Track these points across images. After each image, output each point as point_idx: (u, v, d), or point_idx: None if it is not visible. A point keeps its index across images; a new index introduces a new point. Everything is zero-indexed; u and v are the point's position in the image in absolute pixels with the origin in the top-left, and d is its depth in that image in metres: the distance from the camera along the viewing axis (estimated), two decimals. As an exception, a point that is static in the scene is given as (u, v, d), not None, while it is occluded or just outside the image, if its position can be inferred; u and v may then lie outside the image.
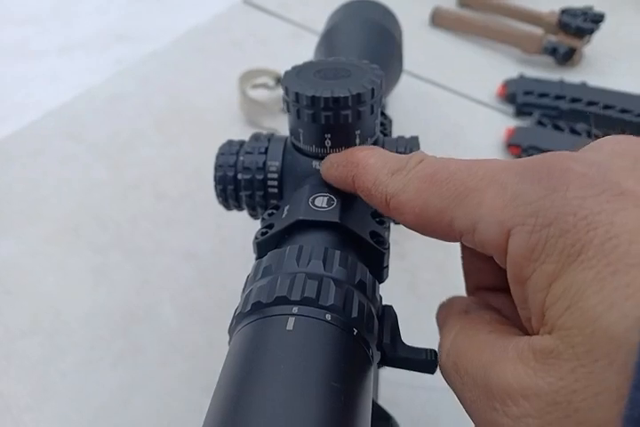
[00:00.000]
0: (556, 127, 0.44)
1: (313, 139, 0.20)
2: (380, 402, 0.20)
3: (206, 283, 0.36)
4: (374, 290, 0.16)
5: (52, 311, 0.34)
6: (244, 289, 0.16)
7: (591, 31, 0.48)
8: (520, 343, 0.12)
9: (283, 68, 0.53)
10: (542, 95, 0.47)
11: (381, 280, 0.18)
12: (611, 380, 0.10)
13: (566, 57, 0.50)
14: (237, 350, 0.13)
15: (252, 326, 0.14)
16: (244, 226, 0.39)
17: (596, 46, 0.52)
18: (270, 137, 0.22)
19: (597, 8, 0.50)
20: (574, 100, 0.46)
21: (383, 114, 0.24)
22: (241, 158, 0.21)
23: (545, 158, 0.12)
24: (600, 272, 0.10)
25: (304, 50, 0.52)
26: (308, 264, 0.15)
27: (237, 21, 0.59)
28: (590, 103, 0.46)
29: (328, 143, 0.20)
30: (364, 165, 0.17)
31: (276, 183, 0.21)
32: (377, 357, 0.15)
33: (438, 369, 0.15)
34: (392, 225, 0.22)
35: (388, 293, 0.31)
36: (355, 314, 0.14)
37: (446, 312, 0.16)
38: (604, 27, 0.50)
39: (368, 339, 0.14)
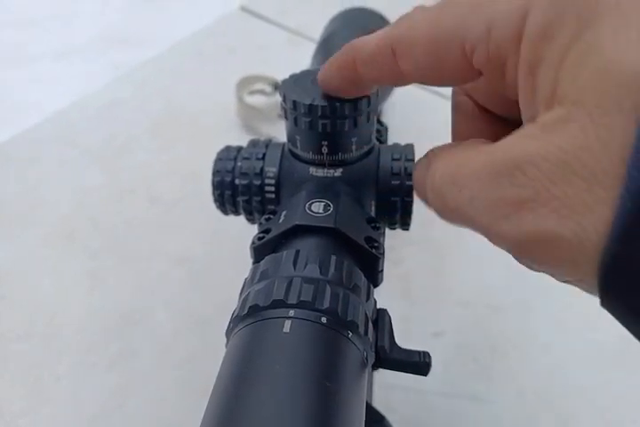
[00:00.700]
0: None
1: (310, 146, 0.20)
2: (374, 404, 0.20)
3: (200, 287, 0.36)
4: (369, 294, 0.16)
5: (46, 315, 0.34)
6: (241, 292, 0.16)
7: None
8: (525, 127, 0.12)
9: (279, 74, 0.53)
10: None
11: (376, 284, 0.19)
12: (619, 127, 0.10)
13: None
14: (235, 352, 0.14)
15: (250, 329, 0.14)
16: (238, 230, 0.39)
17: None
18: (268, 143, 0.22)
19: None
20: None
21: (379, 121, 0.25)
22: (239, 164, 0.22)
23: None
24: (615, 28, 0.10)
25: (301, 56, 0.53)
26: (304, 268, 0.15)
27: (234, 28, 0.60)
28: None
29: (325, 150, 0.20)
30: (363, 40, 0.16)
31: (273, 189, 0.21)
32: (372, 359, 0.15)
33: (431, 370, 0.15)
34: (387, 231, 0.22)
35: (384, 297, 0.31)
36: (350, 317, 0.14)
37: (434, 154, 0.16)
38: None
39: (363, 341, 0.15)
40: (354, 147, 0.20)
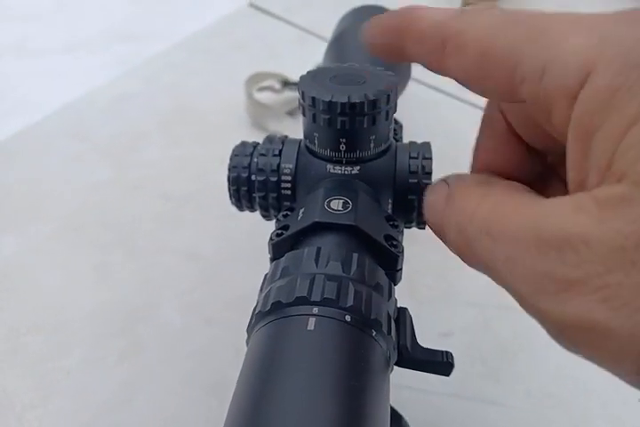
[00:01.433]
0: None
1: (328, 143, 0.20)
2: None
3: (209, 283, 0.36)
4: (391, 292, 0.16)
5: (55, 309, 0.34)
6: (261, 289, 0.16)
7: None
8: (577, 197, 0.11)
9: (287, 70, 0.53)
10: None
11: (395, 283, 0.18)
12: None
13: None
14: (258, 349, 0.13)
15: (273, 325, 0.14)
16: (248, 227, 0.39)
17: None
18: (284, 139, 0.22)
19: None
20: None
21: (394, 119, 0.25)
22: (255, 160, 0.22)
23: None
24: None
25: (308, 53, 0.52)
26: (326, 266, 0.15)
27: (243, 24, 0.60)
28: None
29: (343, 147, 0.20)
30: (421, 14, 0.15)
31: (289, 185, 0.21)
32: (394, 358, 0.15)
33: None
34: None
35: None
36: (374, 316, 0.14)
37: (458, 185, 0.15)
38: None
39: (386, 340, 0.14)
40: (372, 144, 0.20)
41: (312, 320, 0.13)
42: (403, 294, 0.35)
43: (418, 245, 0.39)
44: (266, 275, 0.17)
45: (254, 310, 0.15)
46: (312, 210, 0.18)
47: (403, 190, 0.21)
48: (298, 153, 0.21)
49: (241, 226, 0.39)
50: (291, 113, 0.48)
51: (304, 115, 0.20)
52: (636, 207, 0.10)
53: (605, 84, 0.10)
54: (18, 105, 0.51)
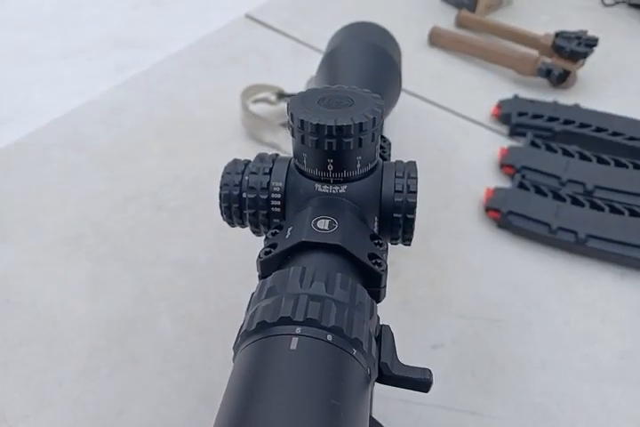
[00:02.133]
0: (549, 148, 0.45)
1: (316, 163, 0.21)
2: (374, 416, 0.21)
3: (203, 294, 0.36)
4: (372, 311, 0.17)
5: (50, 320, 0.35)
6: (248, 307, 0.17)
7: (585, 55, 0.50)
8: None
9: (283, 82, 0.54)
10: (536, 116, 0.48)
11: (379, 300, 0.19)
12: None
13: (560, 79, 0.52)
14: (243, 368, 0.14)
15: (257, 345, 0.14)
16: (242, 238, 0.39)
17: (590, 69, 0.54)
18: (274, 158, 0.23)
19: (591, 32, 0.52)
20: (567, 122, 0.47)
21: (382, 137, 0.25)
22: (246, 178, 0.22)
23: None
24: None
25: (304, 65, 0.53)
26: (310, 286, 0.16)
27: (239, 36, 0.61)
28: (583, 125, 0.47)
29: (330, 167, 0.21)
30: None
31: (279, 203, 0.22)
32: (375, 375, 0.16)
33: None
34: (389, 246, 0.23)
35: (383, 309, 0.31)
36: (354, 335, 0.15)
37: None
38: (598, 50, 0.51)
39: (366, 359, 0.15)
40: (358, 165, 0.21)
41: (295, 340, 0.14)
42: (395, 306, 0.36)
43: (410, 258, 0.39)
44: (252, 294, 0.17)
45: (240, 328, 0.16)
46: (299, 229, 0.19)
47: (388, 209, 0.21)
48: (287, 172, 0.22)
49: (235, 237, 0.40)
50: (285, 125, 0.49)
51: (293, 136, 0.21)
52: None
53: None
54: (15, 112, 0.52)
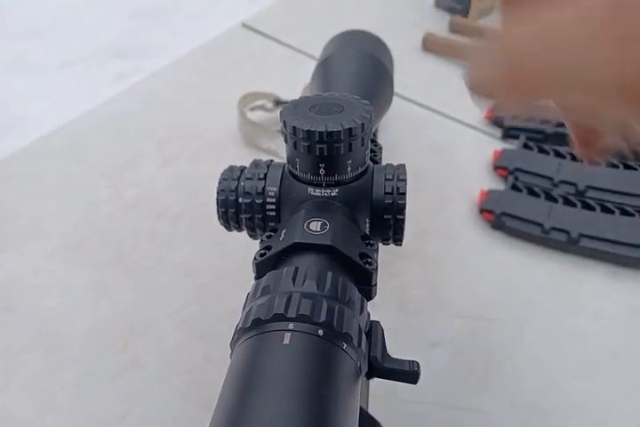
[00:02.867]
0: (542, 150, 0.46)
1: (308, 167, 0.22)
2: (371, 413, 0.21)
3: (204, 299, 0.37)
4: (362, 307, 0.18)
5: (53, 327, 0.35)
6: (244, 306, 0.18)
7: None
8: None
9: (279, 90, 0.55)
10: (529, 119, 0.49)
11: (370, 298, 0.20)
12: None
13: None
14: (239, 362, 0.15)
15: (252, 341, 0.15)
16: (242, 244, 0.40)
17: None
18: (269, 164, 0.24)
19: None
20: (559, 124, 0.48)
21: (374, 141, 0.26)
22: (242, 183, 0.23)
23: None
24: None
25: (300, 73, 0.54)
26: (303, 284, 0.17)
27: (236, 44, 0.62)
28: (573, 127, 0.48)
29: (322, 172, 0.21)
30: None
31: (274, 207, 0.23)
32: (365, 368, 0.16)
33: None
34: (382, 246, 0.24)
35: (380, 309, 0.32)
36: (345, 330, 0.16)
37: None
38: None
39: (356, 352, 0.16)
40: (349, 168, 0.22)
41: (287, 335, 0.15)
42: (392, 307, 0.37)
43: (406, 260, 0.40)
44: (248, 294, 0.18)
45: (237, 326, 0.17)
46: (292, 231, 0.20)
47: (379, 210, 0.22)
48: (282, 177, 0.23)
49: (234, 242, 0.40)
50: (282, 133, 0.50)
51: (286, 142, 0.22)
52: None
53: None
54: (15, 122, 0.53)
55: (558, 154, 0.46)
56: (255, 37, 0.63)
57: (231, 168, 0.24)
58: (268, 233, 0.21)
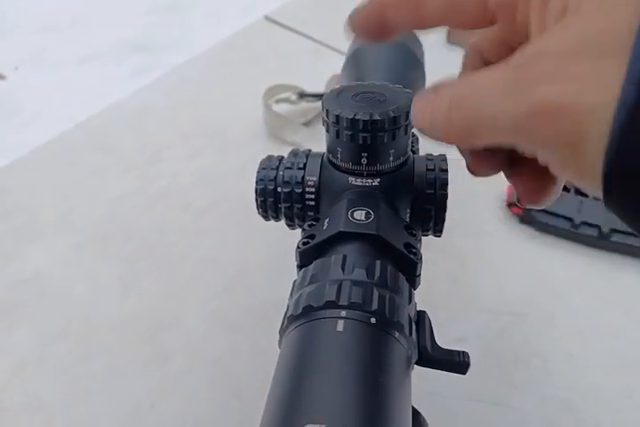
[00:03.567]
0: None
1: (350, 157, 0.21)
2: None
3: (231, 291, 0.37)
4: (411, 296, 0.17)
5: (82, 317, 0.36)
6: (291, 294, 0.18)
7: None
8: (542, 36, 0.13)
9: (302, 82, 0.54)
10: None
11: (414, 288, 0.20)
12: (626, 13, 0.11)
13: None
14: (292, 349, 0.15)
15: (305, 328, 0.15)
16: (266, 236, 0.40)
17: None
18: (308, 153, 0.24)
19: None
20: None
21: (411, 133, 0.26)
22: (281, 173, 0.23)
23: None
24: None
25: (323, 65, 0.54)
26: (352, 272, 0.17)
27: (259, 37, 0.62)
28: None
29: (364, 161, 0.21)
30: None
31: (313, 196, 0.22)
32: (415, 357, 0.16)
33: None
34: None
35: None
36: (396, 318, 0.15)
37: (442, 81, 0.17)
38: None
39: (408, 341, 0.16)
40: (391, 158, 0.21)
41: (341, 322, 0.15)
42: (418, 301, 0.37)
43: (433, 254, 0.40)
44: (294, 281, 0.18)
45: (285, 314, 0.17)
46: (337, 220, 0.20)
47: (420, 201, 0.22)
48: (321, 166, 0.23)
49: (259, 235, 0.40)
50: (307, 124, 0.50)
51: (327, 131, 0.22)
52: (587, 14, 0.12)
53: None
54: (37, 116, 0.53)
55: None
56: (278, 30, 0.63)
57: (269, 157, 0.24)
58: (309, 222, 0.21)
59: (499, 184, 0.43)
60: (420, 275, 0.20)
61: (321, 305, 0.15)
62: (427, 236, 0.23)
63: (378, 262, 0.17)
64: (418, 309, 0.19)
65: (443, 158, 0.23)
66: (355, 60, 0.33)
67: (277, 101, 0.50)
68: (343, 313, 0.15)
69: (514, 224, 0.41)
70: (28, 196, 0.44)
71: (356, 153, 0.21)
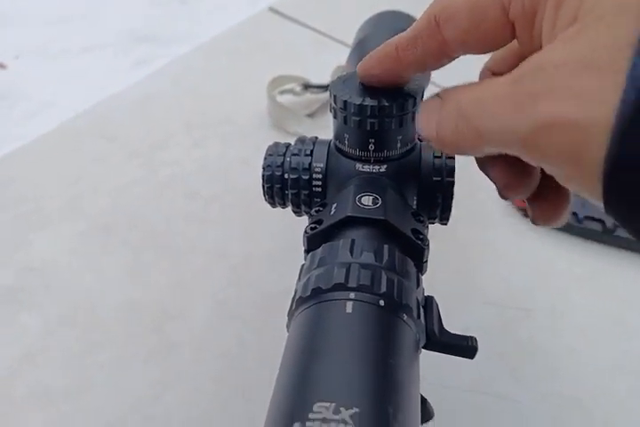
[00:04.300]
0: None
1: (357, 143, 0.21)
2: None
3: (237, 282, 0.37)
4: (419, 281, 0.17)
5: (88, 306, 0.35)
6: (299, 278, 0.18)
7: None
8: (545, 47, 0.14)
9: (306, 74, 0.54)
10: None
11: (422, 273, 0.20)
12: (626, 27, 0.12)
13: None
14: (300, 330, 0.15)
15: (313, 309, 0.15)
16: (271, 227, 0.40)
17: None
18: (315, 140, 0.24)
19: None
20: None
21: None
22: (288, 159, 0.23)
23: None
24: None
25: (327, 57, 0.54)
26: (360, 255, 0.17)
27: (263, 28, 0.61)
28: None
29: (371, 147, 0.21)
30: (401, 33, 0.18)
31: (320, 183, 0.22)
32: (423, 341, 0.16)
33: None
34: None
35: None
36: (404, 301, 0.15)
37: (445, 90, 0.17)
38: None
39: (416, 324, 0.16)
40: (398, 144, 0.21)
41: (350, 304, 0.15)
42: (421, 291, 0.37)
43: (437, 247, 0.39)
44: (302, 265, 0.18)
45: (294, 296, 0.17)
46: (344, 205, 0.20)
47: (427, 188, 0.22)
48: (328, 153, 0.23)
49: (264, 225, 0.40)
50: (311, 115, 0.50)
51: (335, 117, 0.21)
52: (591, 29, 0.12)
53: None
54: (43, 106, 0.53)
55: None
56: (282, 22, 0.62)
57: (276, 144, 0.24)
58: (317, 208, 0.21)
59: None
60: (427, 261, 0.20)
61: (330, 287, 0.15)
62: (433, 223, 0.23)
63: (386, 246, 0.17)
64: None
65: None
66: (361, 49, 0.33)
67: (281, 92, 0.50)
68: (352, 295, 0.15)
69: (517, 217, 0.41)
70: (33, 184, 0.44)
71: (364, 139, 0.21)
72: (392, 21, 0.37)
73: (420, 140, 0.25)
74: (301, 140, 0.24)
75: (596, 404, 0.31)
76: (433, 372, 0.27)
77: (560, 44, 0.13)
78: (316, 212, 0.21)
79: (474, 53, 0.17)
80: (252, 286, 0.37)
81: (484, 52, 0.18)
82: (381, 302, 0.15)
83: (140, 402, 0.31)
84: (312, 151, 0.23)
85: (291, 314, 0.16)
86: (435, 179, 0.22)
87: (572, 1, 0.13)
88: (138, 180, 0.44)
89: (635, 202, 0.11)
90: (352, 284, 0.15)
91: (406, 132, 0.21)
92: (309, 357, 0.13)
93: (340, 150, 0.22)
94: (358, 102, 0.20)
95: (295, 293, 0.17)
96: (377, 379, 0.13)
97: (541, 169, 0.19)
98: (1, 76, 0.57)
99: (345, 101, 0.20)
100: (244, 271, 0.38)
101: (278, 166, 0.23)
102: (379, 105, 0.20)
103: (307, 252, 0.20)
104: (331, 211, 0.20)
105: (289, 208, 0.24)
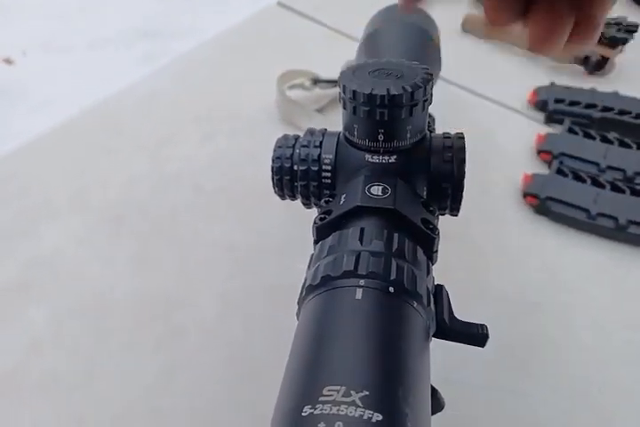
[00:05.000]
0: (587, 135, 0.45)
1: (367, 133, 0.21)
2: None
3: (243, 273, 0.37)
4: (429, 269, 0.17)
5: (96, 296, 0.36)
6: (309, 266, 0.18)
7: (625, 41, 0.49)
8: None
9: (315, 68, 0.54)
10: (573, 103, 0.47)
11: (432, 263, 0.19)
12: None
13: (597, 66, 0.51)
14: (311, 316, 0.15)
15: (324, 296, 0.15)
16: (277, 220, 0.40)
17: (629, 56, 0.53)
18: (324, 132, 0.23)
19: (631, 18, 0.51)
20: (606, 109, 0.47)
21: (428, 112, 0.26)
22: (297, 151, 0.23)
23: None
24: None
25: (337, 51, 0.54)
26: (370, 244, 0.16)
27: (272, 23, 0.61)
28: (622, 112, 0.46)
29: (381, 137, 0.21)
30: None
31: (329, 174, 0.22)
32: (433, 329, 0.16)
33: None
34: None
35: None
36: (415, 288, 0.15)
37: None
38: (638, 36, 0.50)
39: (426, 311, 0.16)
40: (408, 135, 0.21)
41: (359, 291, 0.14)
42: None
43: (447, 243, 0.39)
44: (312, 254, 0.18)
45: (303, 284, 0.17)
46: (354, 195, 0.19)
47: (437, 178, 0.22)
48: (337, 144, 0.23)
49: (270, 218, 0.40)
50: (320, 110, 0.49)
51: (344, 108, 0.21)
52: None
53: None
54: (48, 101, 0.53)
55: (605, 139, 0.44)
56: (290, 16, 0.62)
57: (286, 136, 0.24)
58: (326, 199, 0.21)
59: (514, 175, 0.43)
60: (437, 251, 0.20)
61: (339, 275, 0.15)
62: (443, 215, 0.23)
63: (396, 235, 0.17)
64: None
65: (460, 136, 0.23)
66: (370, 42, 0.33)
67: (291, 87, 0.50)
68: (362, 282, 0.15)
69: (529, 214, 0.41)
70: (40, 178, 0.44)
71: (373, 129, 0.21)
72: (401, 15, 0.37)
73: (430, 132, 0.25)
74: (310, 132, 0.23)
75: (607, 397, 0.31)
76: (442, 366, 0.27)
77: None
78: (326, 202, 0.21)
79: None
80: (257, 275, 0.37)
81: None
82: (391, 289, 0.15)
83: (148, 391, 0.31)
84: (321, 143, 0.23)
85: (301, 301, 0.16)
86: (445, 169, 0.22)
87: None
88: (145, 173, 0.44)
89: None
90: (362, 271, 0.15)
91: (416, 123, 0.21)
92: (319, 342, 0.13)
93: (349, 141, 0.22)
94: (368, 92, 0.20)
95: (305, 280, 0.17)
96: (387, 363, 0.13)
97: None
98: (8, 71, 0.58)
99: (354, 91, 0.20)
100: (250, 262, 0.38)
101: (287, 158, 0.23)
102: (388, 94, 0.20)
103: (316, 242, 0.19)
104: (340, 201, 0.20)
105: (297, 201, 0.24)
